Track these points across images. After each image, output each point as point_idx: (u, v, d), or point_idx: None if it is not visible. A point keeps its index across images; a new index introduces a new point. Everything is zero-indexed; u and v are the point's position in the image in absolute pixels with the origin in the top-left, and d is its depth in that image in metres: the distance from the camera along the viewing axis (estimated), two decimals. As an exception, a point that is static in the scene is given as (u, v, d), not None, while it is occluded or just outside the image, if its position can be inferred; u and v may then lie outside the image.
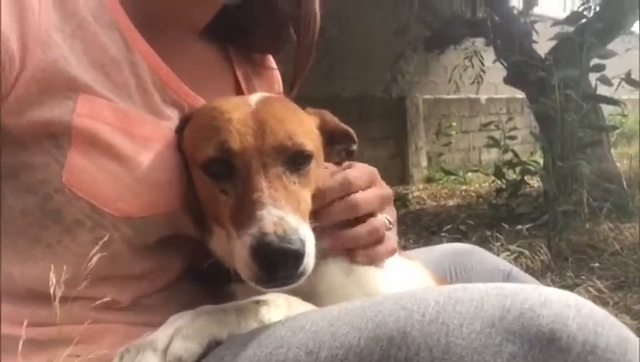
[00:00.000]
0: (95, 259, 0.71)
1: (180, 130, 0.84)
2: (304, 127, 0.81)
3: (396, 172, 6.19)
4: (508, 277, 1.23)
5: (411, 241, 3.64)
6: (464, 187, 5.65)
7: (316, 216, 0.79)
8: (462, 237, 3.13)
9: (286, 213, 0.69)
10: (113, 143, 0.75)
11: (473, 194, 5.20)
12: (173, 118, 0.85)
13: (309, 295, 0.80)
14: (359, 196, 0.84)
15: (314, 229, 0.75)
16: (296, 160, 0.77)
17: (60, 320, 0.70)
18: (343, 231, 0.83)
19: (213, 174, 0.77)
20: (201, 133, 0.79)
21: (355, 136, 0.91)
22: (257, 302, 0.73)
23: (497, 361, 0.51)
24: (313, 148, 0.80)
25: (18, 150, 0.74)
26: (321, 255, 0.82)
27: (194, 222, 0.84)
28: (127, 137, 0.76)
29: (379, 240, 0.85)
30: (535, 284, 1.25)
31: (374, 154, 6.07)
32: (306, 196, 0.78)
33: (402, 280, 0.87)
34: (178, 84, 0.86)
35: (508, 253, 2.41)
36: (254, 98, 0.83)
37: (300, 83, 1.06)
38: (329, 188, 0.83)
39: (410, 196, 5.34)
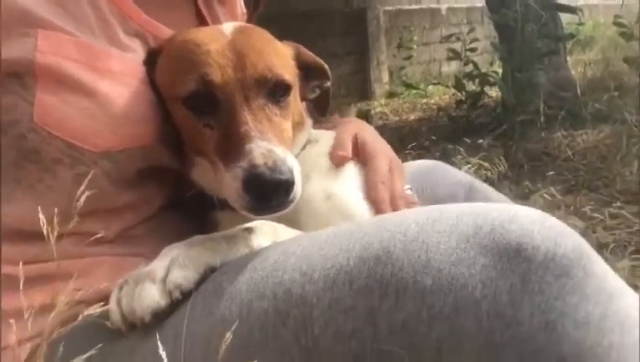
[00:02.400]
0: (83, 197, 0.71)
1: (149, 63, 0.83)
2: (282, 58, 0.82)
3: (358, 88, 6.16)
4: (469, 189, 1.31)
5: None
6: (425, 100, 5.71)
7: None
8: (425, 152, 3.20)
9: (273, 145, 0.71)
10: (80, 79, 0.74)
11: (434, 107, 5.26)
12: (137, 49, 0.84)
13: (291, 220, 0.83)
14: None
15: None
16: (276, 91, 0.79)
17: (49, 257, 0.71)
18: None
19: (195, 108, 0.77)
20: (179, 66, 0.78)
21: (329, 72, 0.92)
22: (245, 230, 0.77)
23: (472, 272, 0.57)
24: (291, 79, 0.81)
25: None
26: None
27: (172, 154, 0.86)
28: (93, 72, 0.75)
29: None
30: (495, 193, 1.34)
31: (336, 71, 5.93)
32: (287, 126, 0.80)
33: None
34: (138, 13, 0.84)
35: (469, 165, 2.51)
36: (228, 28, 0.82)
37: (264, 2, 1.05)
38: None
39: (372, 112, 5.37)
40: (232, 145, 0.72)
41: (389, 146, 1.01)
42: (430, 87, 6.05)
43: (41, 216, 0.68)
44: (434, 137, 3.72)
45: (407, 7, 6.59)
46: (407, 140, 4.21)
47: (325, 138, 0.96)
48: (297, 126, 0.88)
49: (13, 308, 0.70)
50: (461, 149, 2.79)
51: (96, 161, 0.77)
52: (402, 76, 6.48)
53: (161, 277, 0.68)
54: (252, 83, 0.76)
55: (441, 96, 5.62)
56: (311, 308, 0.61)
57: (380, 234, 0.64)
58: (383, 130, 4.65)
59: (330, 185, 0.89)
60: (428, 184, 1.32)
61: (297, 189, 0.72)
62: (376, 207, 0.88)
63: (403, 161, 1.10)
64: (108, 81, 0.77)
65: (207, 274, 0.71)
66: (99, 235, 0.78)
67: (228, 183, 0.71)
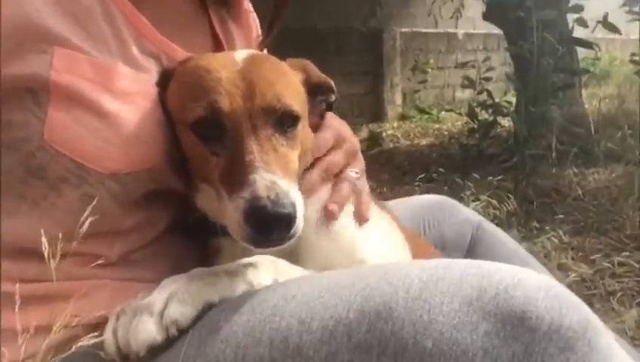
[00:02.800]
0: (88, 221, 0.71)
1: (161, 85, 0.83)
2: (292, 88, 0.82)
3: (371, 109, 6.17)
4: (477, 229, 1.30)
5: (384, 180, 3.71)
6: (437, 126, 5.70)
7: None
8: (434, 185, 3.19)
9: (277, 177, 0.70)
10: (93, 99, 0.74)
11: (446, 133, 5.25)
12: (152, 69, 0.84)
13: (290, 254, 0.83)
14: (325, 160, 0.90)
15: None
16: (284, 122, 0.78)
17: (50, 276, 0.70)
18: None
19: (203, 135, 0.77)
20: (189, 92, 0.78)
21: (334, 87, 0.93)
22: (246, 265, 0.76)
23: (474, 337, 0.56)
24: (300, 110, 0.81)
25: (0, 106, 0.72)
26: None
27: (179, 177, 0.85)
28: (107, 92, 0.75)
29: (354, 194, 0.91)
30: (503, 235, 1.32)
31: (350, 89, 6.00)
32: (293, 157, 0.79)
33: (379, 240, 0.91)
34: (154, 33, 0.84)
35: (477, 202, 2.49)
36: (241, 55, 0.82)
37: (278, 26, 1.05)
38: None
39: (384, 134, 5.37)
40: (236, 174, 0.71)
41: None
42: (443, 112, 6.05)
43: (44, 239, 0.68)
44: (444, 165, 3.70)
45: (423, 30, 6.61)
46: (417, 165, 4.20)
47: None
48: (305, 154, 0.87)
49: (10, 326, 0.69)
50: (470, 184, 2.76)
51: (102, 182, 0.76)
52: (416, 100, 6.48)
53: (159, 311, 0.67)
54: (260, 112, 0.76)
55: (453, 122, 5.62)
56: (307, 360, 0.60)
57: (382, 287, 0.62)
58: (393, 154, 4.70)
59: (336, 223, 0.88)
60: (435, 220, 1.31)
61: (299, 224, 0.71)
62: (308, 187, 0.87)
63: (410, 194, 1.09)
64: (121, 102, 0.76)
65: (206, 310, 0.70)
66: (101, 260, 0.77)
67: (230, 213, 0.70)
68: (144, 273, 0.84)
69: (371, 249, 0.88)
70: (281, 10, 1.03)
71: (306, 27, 5.46)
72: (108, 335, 0.68)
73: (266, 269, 0.76)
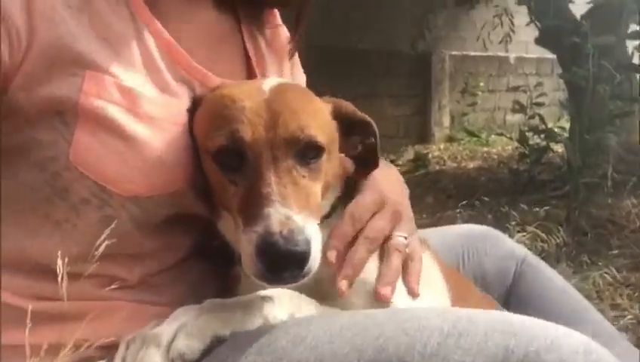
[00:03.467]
0: (104, 244, 0.72)
1: (191, 111, 0.82)
2: (318, 119, 0.78)
3: (418, 130, 6.10)
4: (522, 264, 1.22)
5: (428, 204, 3.61)
6: (486, 149, 5.56)
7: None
8: (477, 213, 3.05)
9: (293, 212, 0.67)
10: (120, 123, 0.74)
11: (495, 157, 5.11)
12: (184, 95, 0.84)
13: (312, 289, 0.78)
14: (369, 228, 0.82)
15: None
16: (307, 153, 0.75)
17: (69, 296, 0.72)
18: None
19: (224, 164, 0.75)
20: (213, 120, 0.77)
21: (374, 127, 0.86)
22: (263, 298, 0.73)
23: None
24: (325, 141, 0.77)
25: (28, 126, 0.74)
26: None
27: (202, 203, 0.84)
28: (134, 117, 0.76)
29: (405, 263, 0.84)
30: (550, 272, 1.23)
31: (396, 111, 5.97)
32: (315, 190, 0.75)
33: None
34: (187, 60, 0.84)
35: (524, 233, 2.36)
36: (268, 85, 0.80)
37: (304, 24, 1.01)
38: (340, 233, 0.81)
39: (430, 156, 5.28)
40: (252, 205, 0.69)
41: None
42: (492, 136, 5.90)
43: (59, 260, 0.68)
44: (492, 190, 3.57)
45: (473, 53, 6.50)
46: (463, 189, 4.08)
47: None
48: (331, 188, 0.83)
49: (20, 343, 0.69)
50: (516, 214, 2.62)
51: (123, 205, 0.77)
52: (464, 122, 6.36)
53: (167, 343, 0.66)
54: (282, 143, 0.73)
55: (503, 146, 5.47)
56: None
57: (398, 338, 0.58)
58: (439, 176, 4.60)
59: None
60: (475, 252, 1.23)
61: (313, 262, 0.67)
62: (331, 241, 0.80)
63: (452, 220, 1.02)
64: (146, 126, 0.77)
65: (215, 344, 0.68)
66: (116, 284, 0.77)
67: (243, 246, 0.68)
68: (162, 297, 0.83)
69: (405, 297, 0.83)
70: (305, 5, 1.00)
71: (353, 48, 5.49)
72: None
73: (284, 304, 0.73)
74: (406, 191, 0.94)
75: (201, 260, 0.90)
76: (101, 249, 0.71)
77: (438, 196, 3.99)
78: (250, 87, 0.81)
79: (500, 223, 2.36)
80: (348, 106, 0.85)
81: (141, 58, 0.79)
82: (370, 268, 0.81)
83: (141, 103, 0.76)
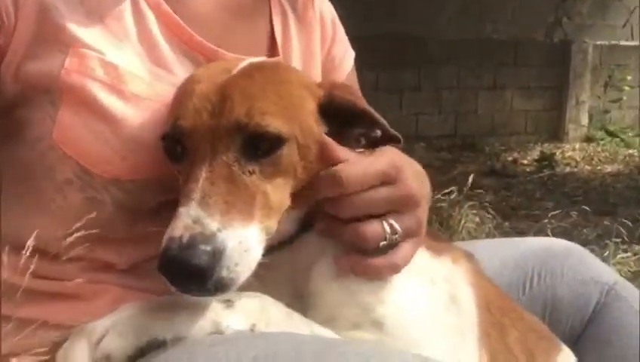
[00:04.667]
0: (80, 222, 0.70)
1: None
2: (282, 104, 0.66)
3: (550, 127, 5.57)
4: (607, 293, 0.99)
5: (544, 208, 3.25)
6: (629, 151, 4.91)
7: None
8: (570, 227, 2.60)
9: (208, 214, 0.58)
10: (100, 100, 0.71)
11: (638, 160, 4.49)
12: (183, 71, 0.78)
13: (295, 297, 0.70)
14: (354, 196, 0.68)
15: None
16: (257, 144, 0.64)
17: (58, 276, 0.75)
18: (325, 222, 0.70)
19: (169, 153, 0.68)
20: (172, 103, 0.71)
21: (377, 118, 0.71)
22: (223, 302, 0.64)
23: None
24: (289, 131, 0.65)
25: (21, 105, 0.73)
26: (313, 255, 0.71)
27: None
28: (116, 94, 0.72)
29: (375, 250, 0.69)
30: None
31: (526, 105, 5.50)
32: (270, 189, 0.64)
33: (412, 298, 0.71)
34: (189, 35, 0.78)
35: (626, 254, 1.93)
36: (242, 65, 0.70)
37: None
38: (316, 184, 0.69)
39: (560, 156, 4.78)
40: (178, 203, 0.61)
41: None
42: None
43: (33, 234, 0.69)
44: (629, 198, 3.10)
45: (624, 42, 5.74)
46: (594, 195, 3.64)
47: None
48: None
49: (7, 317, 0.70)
50: (622, 229, 2.15)
51: (106, 188, 0.74)
52: (605, 120, 5.67)
53: (96, 340, 0.60)
54: (224, 132, 0.63)
55: (652, 149, 4.81)
56: None
57: None
58: (567, 179, 4.15)
59: None
60: (549, 272, 1.03)
61: (228, 274, 0.58)
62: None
63: (526, 233, 0.83)
64: (131, 105, 0.72)
65: (152, 347, 0.61)
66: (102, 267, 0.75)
67: None
68: (153, 284, 0.77)
69: (396, 313, 0.69)
70: None
71: (485, 37, 5.13)
72: (59, 352, 0.63)
73: (245, 312, 0.64)
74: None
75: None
76: (79, 233, 0.70)
77: (562, 201, 3.59)
78: (222, 66, 0.72)
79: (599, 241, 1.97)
80: (344, 94, 0.71)
81: (136, 31, 0.75)
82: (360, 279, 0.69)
83: (126, 80, 0.72)
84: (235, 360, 0.57)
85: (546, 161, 4.55)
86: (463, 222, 2.50)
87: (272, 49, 0.89)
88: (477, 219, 2.59)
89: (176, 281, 0.58)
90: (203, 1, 0.83)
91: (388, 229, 0.69)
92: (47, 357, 0.69)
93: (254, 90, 0.65)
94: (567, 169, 4.55)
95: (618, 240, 2.07)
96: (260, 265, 0.62)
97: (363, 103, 0.71)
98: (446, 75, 5.09)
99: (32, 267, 0.74)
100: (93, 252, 0.75)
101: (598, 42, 5.63)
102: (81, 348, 0.60)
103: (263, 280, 0.65)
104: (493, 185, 3.83)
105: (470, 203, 2.69)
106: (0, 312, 0.71)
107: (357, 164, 0.68)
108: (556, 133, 5.55)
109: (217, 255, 0.57)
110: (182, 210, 0.59)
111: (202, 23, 0.80)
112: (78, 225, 0.70)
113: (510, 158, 4.80)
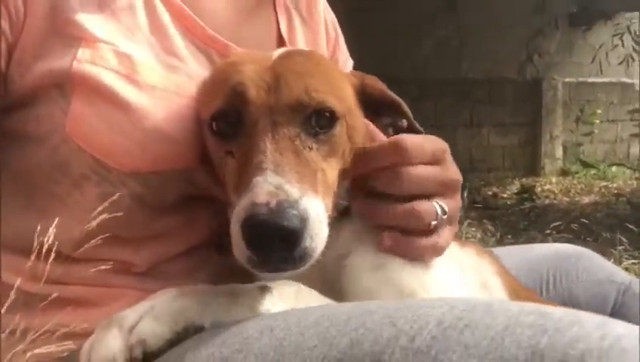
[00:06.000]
0: (96, 221, 0.66)
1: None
2: (331, 84, 0.67)
3: (526, 161, 5.69)
4: (624, 292, 0.98)
5: (532, 237, 3.28)
6: (605, 183, 5.02)
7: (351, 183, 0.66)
8: (574, 237, 2.66)
9: (287, 181, 0.56)
10: (116, 90, 0.68)
11: (615, 191, 4.59)
12: (198, 64, 0.77)
13: (329, 289, 0.66)
14: (411, 169, 0.67)
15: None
16: (316, 121, 0.64)
17: (75, 280, 0.71)
18: (370, 202, 0.68)
19: (220, 132, 0.67)
20: (213, 87, 0.70)
21: (405, 108, 0.72)
22: (261, 289, 0.61)
23: None
24: (340, 109, 0.65)
25: (29, 103, 0.71)
26: (347, 244, 0.69)
27: (215, 183, 0.74)
28: (132, 84, 0.69)
29: (423, 230, 0.67)
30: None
31: (502, 141, 5.61)
32: (326, 166, 0.63)
33: (450, 283, 0.69)
34: (199, 28, 0.78)
35: (633, 260, 1.96)
36: (277, 52, 0.71)
37: None
38: (374, 152, 0.68)
39: (539, 189, 4.86)
40: (244, 177, 0.59)
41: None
42: (613, 168, 5.32)
43: (51, 232, 0.63)
44: (609, 226, 3.15)
45: (591, 79, 5.97)
46: (575, 223, 3.68)
47: None
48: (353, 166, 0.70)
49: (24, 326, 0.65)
50: (624, 239, 2.19)
51: (124, 182, 0.70)
52: (579, 153, 5.82)
53: (130, 326, 0.56)
54: (284, 108, 0.63)
55: (625, 180, 4.91)
56: None
57: (381, 329, 0.45)
58: (547, 210, 4.20)
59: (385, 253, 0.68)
60: (564, 275, 1.02)
61: (311, 244, 0.55)
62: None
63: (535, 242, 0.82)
64: (147, 95, 0.70)
65: (190, 333, 0.57)
66: (124, 267, 0.71)
67: (232, 227, 0.57)
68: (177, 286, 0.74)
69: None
70: None
71: (459, 76, 5.27)
72: (84, 347, 0.58)
73: (284, 297, 0.61)
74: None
75: (221, 252, 0.79)
76: (94, 223, 0.65)
77: (544, 229, 3.62)
78: (260, 54, 0.73)
79: (604, 250, 2.00)
80: (375, 84, 0.73)
81: (148, 23, 0.74)
82: (394, 259, 0.67)
83: (140, 71, 0.70)
84: (295, 324, 0.53)
85: (526, 193, 4.61)
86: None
87: (281, 46, 0.89)
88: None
89: (263, 248, 0.54)
90: None
91: (439, 210, 0.67)
92: None
93: (305, 70, 0.66)
94: (547, 201, 4.61)
95: (621, 247, 2.09)
96: None
97: (394, 95, 0.72)
98: (424, 113, 5.20)
99: (47, 272, 0.70)
100: (110, 252, 0.71)
101: (567, 79, 5.84)
102: (113, 335, 0.56)
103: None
104: (476, 218, 3.85)
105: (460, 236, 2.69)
106: (0, 315, 0.66)
107: (415, 137, 0.68)
108: (533, 167, 5.66)
109: (304, 220, 0.55)
110: (258, 178, 0.56)
111: (213, 19, 0.80)
112: (94, 223, 0.66)
113: (490, 193, 4.86)
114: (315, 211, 0.57)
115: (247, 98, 0.63)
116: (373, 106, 0.72)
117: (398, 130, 0.73)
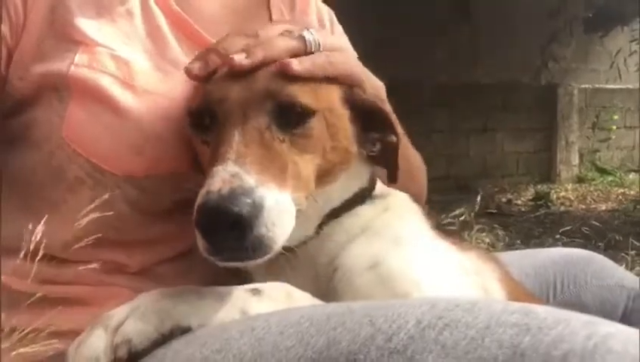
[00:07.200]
0: (87, 219, 0.66)
1: None
2: (307, 80, 0.65)
3: (541, 168, 5.62)
4: (635, 299, 0.96)
5: (548, 245, 3.23)
6: (622, 190, 4.94)
7: None
8: (584, 240, 2.61)
9: (245, 171, 0.56)
10: (113, 95, 0.69)
11: (633, 199, 4.51)
12: None
13: (322, 290, 0.66)
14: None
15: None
16: (288, 113, 0.63)
17: (68, 280, 0.72)
18: None
19: (197, 125, 0.67)
20: (198, 86, 0.70)
21: (394, 123, 0.71)
22: (249, 290, 0.61)
23: None
24: (315, 104, 0.64)
25: (27, 106, 0.72)
26: (339, 245, 0.69)
27: None
28: (128, 89, 0.70)
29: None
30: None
31: (517, 147, 5.55)
32: (299, 160, 0.63)
33: (446, 285, 0.67)
34: (198, 34, 0.79)
35: None
36: None
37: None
38: None
39: (554, 196, 4.80)
40: (210, 167, 0.59)
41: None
42: (631, 175, 5.24)
43: (37, 233, 0.63)
44: (626, 233, 3.09)
45: (608, 85, 5.89)
46: (594, 232, 3.62)
47: (393, 199, 0.76)
48: (338, 166, 0.69)
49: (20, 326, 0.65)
50: (636, 243, 2.13)
51: (119, 185, 0.71)
52: (595, 160, 5.74)
53: (114, 327, 0.56)
54: (255, 98, 0.63)
55: (643, 186, 4.84)
56: None
57: (359, 328, 0.44)
58: (563, 217, 4.14)
59: (381, 252, 0.67)
60: (574, 280, 1.00)
61: (267, 233, 0.55)
62: None
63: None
64: (142, 100, 0.71)
65: (176, 334, 0.57)
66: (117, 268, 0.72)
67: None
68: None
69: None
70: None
71: (473, 82, 5.23)
72: (71, 346, 0.59)
73: (273, 300, 0.60)
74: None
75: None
76: (83, 222, 0.65)
77: (561, 238, 3.56)
78: None
79: (613, 255, 1.95)
80: (365, 95, 0.71)
81: (145, 30, 0.75)
82: (388, 254, 0.67)
83: (137, 76, 0.72)
84: (276, 324, 0.52)
85: (541, 200, 4.55)
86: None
87: None
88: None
89: (214, 237, 0.55)
90: (209, 1, 0.84)
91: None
92: None
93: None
94: (562, 208, 4.55)
95: (633, 252, 2.04)
96: (281, 257, 0.60)
97: (383, 105, 0.71)
98: (439, 119, 5.17)
99: (36, 271, 0.71)
100: (103, 254, 0.72)
101: (583, 85, 5.77)
102: (98, 334, 0.56)
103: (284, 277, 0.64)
104: (489, 225, 3.81)
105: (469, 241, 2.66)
106: (0, 316, 0.66)
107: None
108: (548, 174, 5.60)
109: (258, 208, 0.54)
110: (218, 167, 0.57)
111: (209, 23, 0.80)
112: (81, 224, 0.67)
113: (504, 199, 4.80)
114: (274, 200, 0.56)
115: (218, 96, 0.64)
116: (363, 117, 0.71)
117: (386, 145, 0.72)
